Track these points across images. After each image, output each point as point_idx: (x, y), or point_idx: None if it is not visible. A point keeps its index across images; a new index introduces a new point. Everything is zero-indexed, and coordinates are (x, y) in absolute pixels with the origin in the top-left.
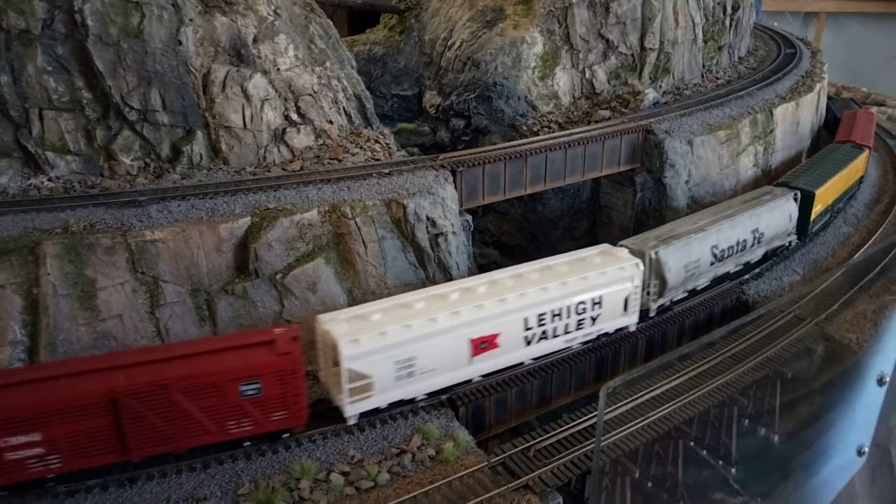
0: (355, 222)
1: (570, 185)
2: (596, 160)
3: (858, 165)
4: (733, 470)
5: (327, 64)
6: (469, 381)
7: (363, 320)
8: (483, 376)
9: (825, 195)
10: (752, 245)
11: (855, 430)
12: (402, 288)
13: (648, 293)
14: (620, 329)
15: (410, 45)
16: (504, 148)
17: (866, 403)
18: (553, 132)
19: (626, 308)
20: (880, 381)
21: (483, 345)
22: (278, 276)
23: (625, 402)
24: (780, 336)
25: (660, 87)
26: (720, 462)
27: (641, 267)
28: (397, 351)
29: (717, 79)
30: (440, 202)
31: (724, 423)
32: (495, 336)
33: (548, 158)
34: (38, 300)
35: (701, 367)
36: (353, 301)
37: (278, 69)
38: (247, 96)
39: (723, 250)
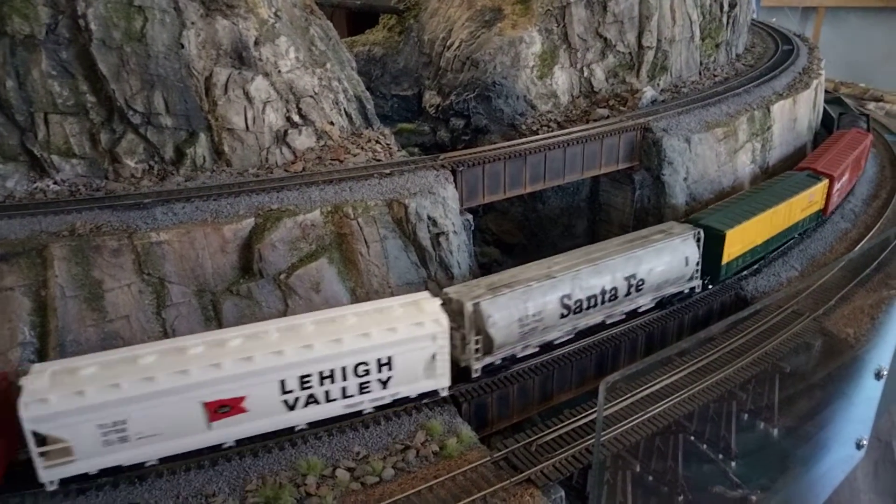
0: (357, 222)
1: (570, 184)
2: (595, 158)
3: (813, 197)
4: (733, 464)
5: (328, 65)
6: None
7: (69, 375)
8: (227, 444)
9: (745, 235)
10: (629, 294)
11: (853, 424)
12: (405, 287)
13: (469, 350)
14: (426, 394)
15: (410, 45)
16: (504, 147)
17: (864, 397)
18: (552, 131)
19: (430, 370)
20: (878, 375)
21: (223, 409)
22: (282, 277)
23: (625, 397)
24: (778, 331)
25: (658, 85)
26: (720, 456)
27: (446, 324)
28: (101, 413)
29: (715, 76)
30: (441, 202)
31: (724, 418)
32: (241, 399)
33: (547, 157)
34: (47, 302)
35: (700, 362)
36: (355, 300)
37: (279, 71)
38: (249, 98)
39: (579, 301)
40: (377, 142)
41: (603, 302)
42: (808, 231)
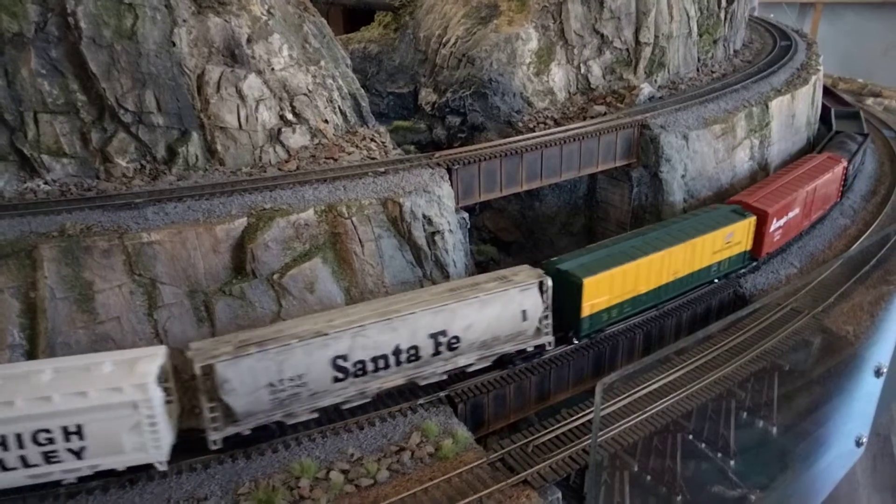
0: (352, 221)
1: (567, 181)
2: (592, 156)
3: (733, 237)
4: (732, 462)
5: (322, 63)
6: None
7: None
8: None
9: (619, 283)
10: (439, 353)
11: (853, 421)
12: (400, 286)
13: (206, 419)
14: (139, 467)
15: (405, 42)
16: (500, 145)
17: (864, 394)
18: (549, 128)
19: (140, 442)
20: (877, 372)
21: None
22: (275, 277)
23: (623, 396)
24: (777, 328)
25: (655, 81)
26: (719, 455)
27: (153, 391)
28: None
29: (713, 72)
30: (436, 200)
31: (723, 416)
32: None
33: (544, 155)
34: (36, 304)
35: (698, 360)
36: (350, 300)
37: (273, 69)
38: (241, 97)
39: (360, 363)
40: (372, 140)
41: (399, 363)
42: (734, 274)
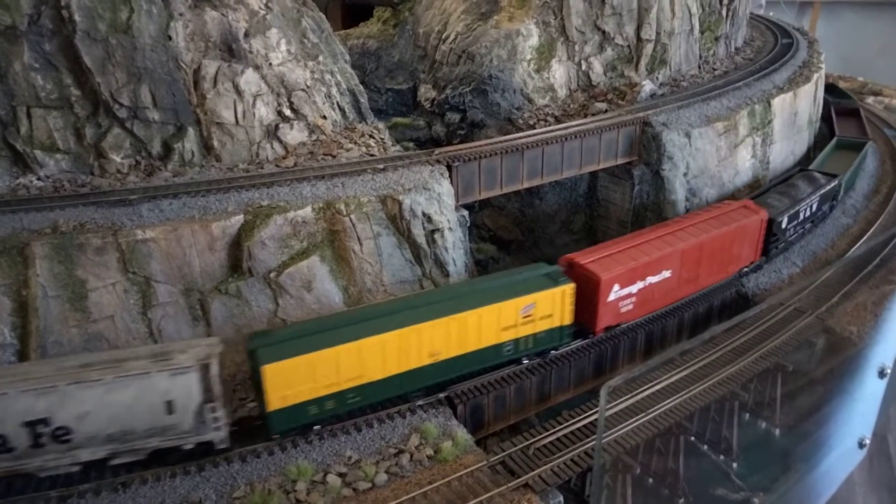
0: (350, 219)
1: (568, 179)
2: (593, 153)
3: (534, 309)
4: (735, 464)
5: (320, 58)
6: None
7: None
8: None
9: (325, 370)
10: (42, 446)
11: (856, 422)
12: (399, 285)
13: None
14: None
15: (404, 38)
16: (500, 142)
17: (867, 395)
18: (549, 125)
19: None
20: (881, 373)
21: None
22: (272, 275)
23: (625, 398)
24: (780, 329)
25: (657, 78)
26: (721, 456)
27: None
28: None
29: (714, 70)
30: (436, 198)
31: (725, 418)
32: None
33: (544, 152)
34: (28, 302)
35: (701, 361)
36: (348, 299)
37: (270, 64)
38: (238, 92)
39: None
40: (371, 136)
41: None
42: (552, 349)
